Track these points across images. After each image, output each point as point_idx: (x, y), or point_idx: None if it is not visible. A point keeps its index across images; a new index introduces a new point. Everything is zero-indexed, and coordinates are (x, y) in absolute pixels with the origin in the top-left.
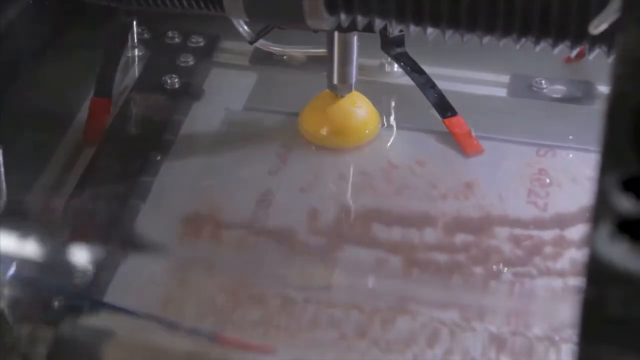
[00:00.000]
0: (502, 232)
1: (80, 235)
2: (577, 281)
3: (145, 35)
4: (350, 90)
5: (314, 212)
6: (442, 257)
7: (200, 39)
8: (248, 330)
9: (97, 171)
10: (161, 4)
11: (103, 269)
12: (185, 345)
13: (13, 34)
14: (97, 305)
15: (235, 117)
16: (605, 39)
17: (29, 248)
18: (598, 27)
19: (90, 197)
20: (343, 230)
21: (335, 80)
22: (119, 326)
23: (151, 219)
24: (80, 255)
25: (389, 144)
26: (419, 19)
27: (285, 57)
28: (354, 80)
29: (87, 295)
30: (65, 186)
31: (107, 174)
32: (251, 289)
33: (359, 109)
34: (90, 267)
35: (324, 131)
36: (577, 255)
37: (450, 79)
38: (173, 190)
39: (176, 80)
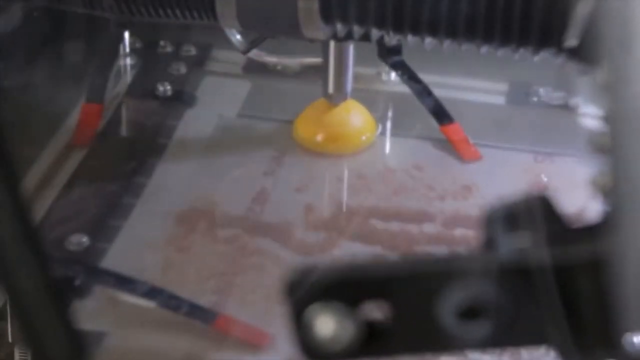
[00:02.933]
0: None
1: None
2: None
3: (137, 45)
4: (345, 99)
5: (310, 209)
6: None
7: (192, 48)
8: (249, 296)
9: (87, 172)
10: (154, 14)
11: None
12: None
13: (2, 42)
14: (93, 272)
15: (229, 124)
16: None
17: None
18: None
19: (79, 196)
20: (339, 227)
21: (330, 89)
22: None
23: (144, 216)
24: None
25: (386, 150)
26: (417, 29)
27: (279, 66)
28: (349, 88)
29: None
30: (51, 186)
31: (98, 174)
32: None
33: (354, 116)
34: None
35: (319, 138)
36: None
37: (449, 86)
38: (167, 190)
39: (168, 87)
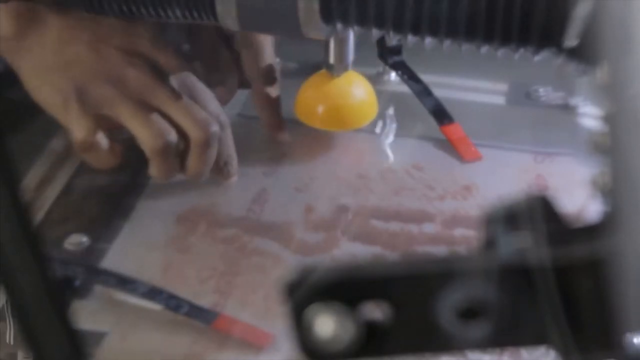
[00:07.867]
0: None
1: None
2: None
3: None
4: (346, 69)
5: (310, 209)
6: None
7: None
8: (250, 296)
9: (87, 172)
10: (154, 14)
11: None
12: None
13: None
14: (93, 272)
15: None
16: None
17: None
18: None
19: (79, 196)
20: (339, 227)
21: (331, 60)
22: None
23: (144, 216)
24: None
25: (386, 149)
26: (417, 29)
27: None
28: (350, 59)
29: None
30: (51, 186)
31: (98, 174)
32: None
33: (356, 88)
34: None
35: (319, 110)
36: None
37: (449, 86)
38: (167, 190)
39: None
